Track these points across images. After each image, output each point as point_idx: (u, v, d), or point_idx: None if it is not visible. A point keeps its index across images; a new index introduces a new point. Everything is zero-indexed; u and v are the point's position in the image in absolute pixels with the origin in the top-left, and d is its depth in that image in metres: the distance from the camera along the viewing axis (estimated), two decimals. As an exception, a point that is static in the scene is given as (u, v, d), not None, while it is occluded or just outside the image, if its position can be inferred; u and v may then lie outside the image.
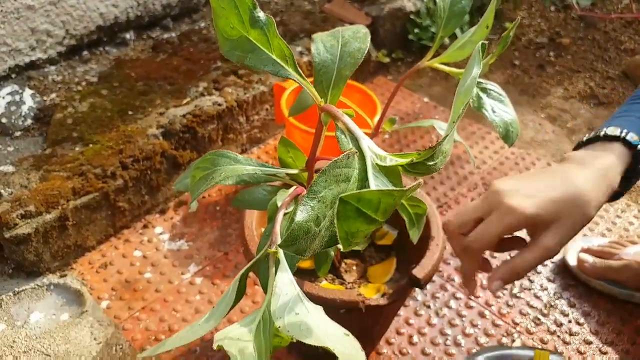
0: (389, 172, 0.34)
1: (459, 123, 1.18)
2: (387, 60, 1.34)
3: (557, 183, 0.56)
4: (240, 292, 0.47)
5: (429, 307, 0.83)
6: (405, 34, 1.38)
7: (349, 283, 0.68)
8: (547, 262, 0.90)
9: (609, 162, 0.57)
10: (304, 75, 0.41)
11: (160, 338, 0.77)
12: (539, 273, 0.88)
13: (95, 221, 0.88)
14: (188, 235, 0.92)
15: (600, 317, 0.83)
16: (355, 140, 0.35)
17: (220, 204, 0.98)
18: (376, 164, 0.33)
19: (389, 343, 0.77)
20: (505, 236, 0.57)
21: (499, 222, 0.54)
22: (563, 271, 0.89)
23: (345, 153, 0.30)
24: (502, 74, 1.41)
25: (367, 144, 0.35)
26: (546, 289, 0.86)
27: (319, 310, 0.42)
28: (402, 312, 0.82)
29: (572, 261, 0.88)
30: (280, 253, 0.45)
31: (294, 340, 0.48)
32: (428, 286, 0.86)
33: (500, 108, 0.50)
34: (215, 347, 0.38)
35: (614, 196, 0.62)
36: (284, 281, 0.42)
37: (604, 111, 1.27)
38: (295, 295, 0.41)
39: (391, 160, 0.34)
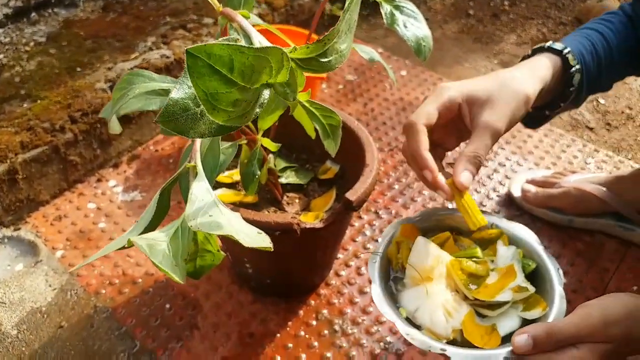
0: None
1: (414, 71, 1.20)
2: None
3: (488, 76, 0.60)
4: (164, 208, 0.49)
5: (377, 241, 0.85)
6: (359, -13, 1.39)
7: (291, 215, 0.70)
8: (492, 194, 0.94)
9: (534, 60, 0.61)
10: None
11: (115, 282, 0.79)
12: (484, 206, 0.91)
13: (47, 175, 0.88)
14: (141, 187, 0.93)
15: (543, 243, 0.86)
16: (247, 37, 0.36)
17: (174, 156, 0.99)
18: (265, 56, 0.35)
19: (337, 275, 0.80)
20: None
21: (436, 97, 0.57)
22: (508, 203, 0.92)
23: (226, 37, 0.31)
24: (456, 23, 1.42)
25: (258, 39, 0.36)
26: (491, 220, 0.89)
27: (235, 215, 0.44)
28: (351, 247, 0.84)
29: (516, 192, 0.91)
30: (199, 166, 0.47)
31: (228, 255, 0.50)
32: (376, 222, 0.88)
33: (413, 24, 0.52)
34: (127, 244, 0.39)
35: (554, 104, 0.65)
36: (201, 189, 0.44)
37: (555, 55, 1.30)
38: (211, 202, 0.43)
39: (279, 52, 0.35)
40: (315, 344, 0.72)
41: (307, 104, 0.47)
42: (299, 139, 0.75)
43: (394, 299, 0.58)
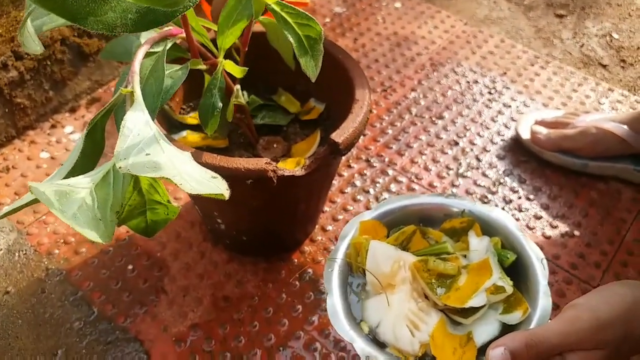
0: None
1: (409, 3, 1.08)
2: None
3: None
4: (95, 147, 0.38)
5: (367, 192, 0.76)
6: None
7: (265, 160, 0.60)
8: (497, 138, 0.84)
9: None
10: None
11: (70, 241, 0.69)
12: (487, 151, 0.82)
13: (-10, 121, 0.77)
14: (102, 133, 0.82)
15: (552, 192, 0.77)
16: None
17: (140, 100, 0.88)
18: None
19: (324, 230, 0.71)
20: None
21: None
22: (514, 147, 0.82)
23: None
24: (456, -48, 1.28)
25: None
26: (495, 167, 0.80)
27: (183, 154, 0.34)
28: (339, 199, 0.75)
29: (524, 134, 0.81)
30: (137, 92, 0.36)
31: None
32: (367, 172, 0.78)
33: None
34: (31, 192, 0.29)
35: None
36: (137, 121, 0.33)
37: (564, -14, 1.17)
38: (150, 137, 0.33)
39: None
40: (299, 307, 0.63)
41: (276, 7, 0.36)
42: (277, 75, 0.64)
43: (356, 309, 0.49)
